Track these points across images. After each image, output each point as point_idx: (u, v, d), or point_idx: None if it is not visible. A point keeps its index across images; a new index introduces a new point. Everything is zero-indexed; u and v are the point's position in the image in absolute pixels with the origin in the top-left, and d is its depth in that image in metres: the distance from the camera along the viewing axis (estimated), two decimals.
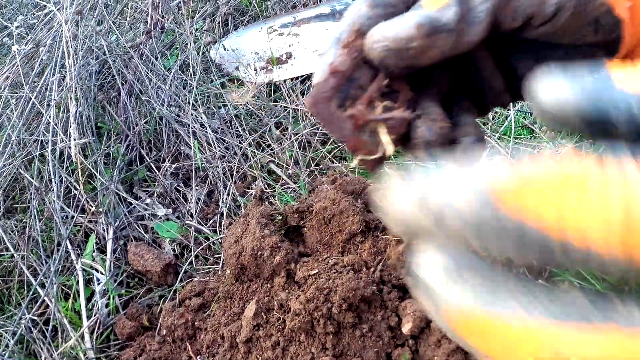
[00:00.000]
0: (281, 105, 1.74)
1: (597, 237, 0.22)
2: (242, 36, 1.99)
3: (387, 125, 0.41)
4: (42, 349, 1.26)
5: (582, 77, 0.29)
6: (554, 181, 0.23)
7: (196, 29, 1.93)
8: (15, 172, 1.55)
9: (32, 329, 1.30)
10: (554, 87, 0.29)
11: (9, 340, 1.26)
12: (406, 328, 1.14)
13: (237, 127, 1.67)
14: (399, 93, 0.42)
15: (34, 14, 1.94)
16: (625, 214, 0.22)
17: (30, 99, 1.57)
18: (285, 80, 1.83)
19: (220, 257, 1.40)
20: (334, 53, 0.39)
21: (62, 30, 1.59)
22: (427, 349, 1.14)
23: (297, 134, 1.64)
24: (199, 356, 1.23)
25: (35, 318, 1.32)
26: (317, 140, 1.64)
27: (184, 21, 1.84)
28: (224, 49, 1.89)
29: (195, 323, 1.28)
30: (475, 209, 0.24)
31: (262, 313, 1.20)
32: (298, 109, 1.72)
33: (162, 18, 1.76)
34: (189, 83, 1.72)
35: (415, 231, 0.27)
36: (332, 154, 1.61)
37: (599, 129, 0.29)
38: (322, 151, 1.61)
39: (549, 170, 0.24)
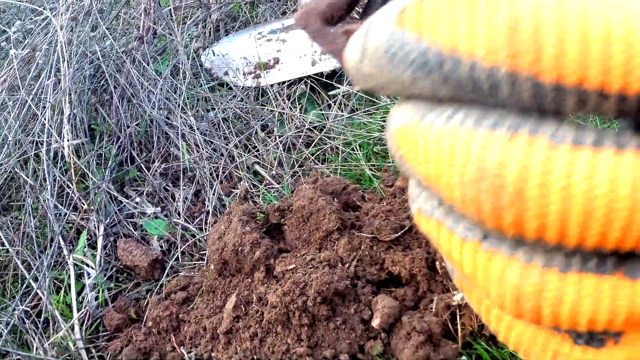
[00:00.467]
0: (267, 109, 1.81)
1: (482, 46, 0.20)
2: (233, 42, 2.07)
3: None
4: (34, 339, 1.33)
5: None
6: None
7: (188, 35, 2.00)
8: (11, 171, 1.61)
9: (25, 320, 1.37)
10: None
11: (2, 330, 1.33)
12: (376, 322, 1.21)
13: (225, 130, 1.74)
14: None
15: (32, 19, 2.00)
16: (510, 18, 0.20)
17: (27, 101, 1.64)
18: (272, 85, 1.90)
19: (205, 254, 1.47)
20: None
21: (57, 36, 1.66)
22: (398, 341, 1.20)
23: (282, 137, 1.71)
24: (182, 347, 1.30)
25: (29, 310, 1.39)
26: (302, 142, 1.71)
27: (175, 27, 1.91)
28: (214, 55, 1.96)
29: (180, 315, 1.34)
30: (384, 39, 0.22)
31: (242, 306, 1.27)
32: (284, 113, 1.79)
33: (154, 24, 1.83)
34: (179, 87, 1.79)
35: (363, 76, 0.25)
36: (315, 155, 1.68)
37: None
38: (305, 153, 1.68)
39: None
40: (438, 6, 0.21)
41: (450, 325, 1.22)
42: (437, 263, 1.28)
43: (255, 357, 1.21)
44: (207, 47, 2.03)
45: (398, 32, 0.22)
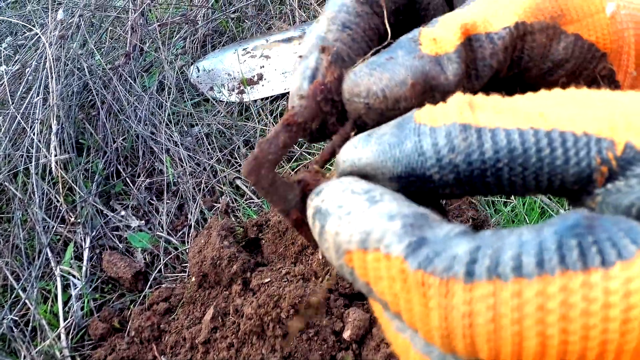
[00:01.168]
0: (250, 125, 1.88)
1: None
2: (218, 57, 2.13)
3: None
4: (22, 347, 1.40)
5: (382, 132, 0.28)
6: None
7: (174, 51, 2.07)
8: (1, 184, 1.68)
9: (14, 329, 1.43)
10: (350, 148, 0.29)
11: None
12: (347, 334, 1.28)
13: (208, 146, 1.81)
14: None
15: (23, 34, 2.06)
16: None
17: (16, 117, 1.70)
18: (255, 101, 1.97)
19: (186, 266, 1.54)
20: (295, 97, 0.33)
21: (46, 52, 1.73)
22: (369, 352, 1.27)
23: None
24: (163, 356, 1.36)
25: (17, 319, 1.45)
26: (285, 159, 1.78)
27: (160, 44, 1.97)
28: (199, 71, 2.03)
29: (161, 326, 1.41)
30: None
31: (219, 317, 1.33)
32: (266, 128, 1.86)
33: (140, 42, 1.89)
34: (164, 103, 1.86)
35: None
36: (296, 170, 1.75)
37: (411, 182, 0.27)
38: (286, 168, 1.75)
39: None
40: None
41: None
42: None
43: None
44: (193, 62, 2.10)
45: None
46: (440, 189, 0.28)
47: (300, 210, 0.31)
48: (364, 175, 0.29)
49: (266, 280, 1.35)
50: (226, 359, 1.29)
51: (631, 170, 0.25)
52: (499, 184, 0.27)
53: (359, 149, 0.29)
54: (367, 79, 0.31)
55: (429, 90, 0.32)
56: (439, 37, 0.33)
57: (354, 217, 0.26)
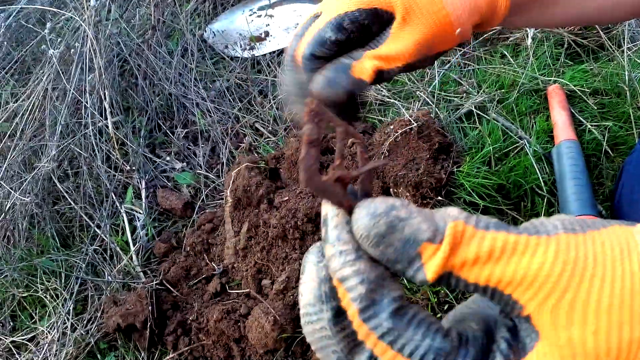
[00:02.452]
0: (262, 77, 2.24)
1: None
2: (228, 19, 2.48)
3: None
4: (104, 269, 1.81)
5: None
6: None
7: (190, 15, 2.42)
8: (66, 148, 2.07)
9: (96, 256, 1.85)
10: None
11: (81, 265, 1.81)
12: None
13: (229, 97, 2.18)
14: (354, 140, 0.50)
15: (59, 19, 2.42)
16: None
17: (70, 90, 2.08)
18: (264, 55, 2.33)
19: (223, 195, 1.93)
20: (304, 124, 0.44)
21: (86, 34, 2.09)
22: None
23: (275, 99, 2.15)
24: (212, 262, 1.77)
25: (98, 248, 1.86)
26: None
27: (179, 13, 2.33)
28: (213, 34, 2.39)
29: (209, 240, 1.81)
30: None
31: (253, 229, 1.73)
32: (276, 79, 2.23)
33: (163, 15, 2.25)
34: (188, 65, 2.23)
35: None
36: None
37: None
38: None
39: None
40: None
41: None
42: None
43: (264, 263, 1.68)
44: (208, 24, 2.46)
45: None
46: None
47: (346, 196, 0.43)
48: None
49: (285, 198, 1.73)
50: (260, 258, 1.69)
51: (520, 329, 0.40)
52: None
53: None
54: (321, 91, 0.57)
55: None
56: (361, 69, 0.60)
57: (338, 261, 0.41)
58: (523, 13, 0.82)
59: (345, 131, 0.47)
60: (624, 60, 2.08)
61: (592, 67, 2.16)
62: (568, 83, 2.05)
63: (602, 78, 2.10)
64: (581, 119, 1.94)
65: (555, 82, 2.07)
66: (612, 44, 2.20)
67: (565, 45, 2.26)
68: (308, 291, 0.42)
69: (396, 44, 0.62)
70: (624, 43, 2.16)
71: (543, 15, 0.89)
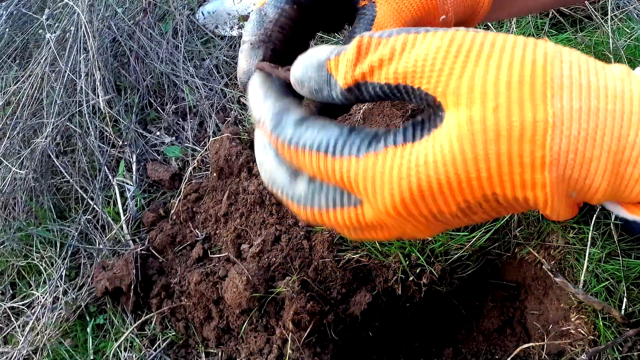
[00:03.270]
0: None
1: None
2: (219, 0, 2.56)
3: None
4: (96, 237, 1.91)
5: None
6: None
7: (181, 2, 2.50)
8: (62, 126, 2.17)
9: (88, 226, 1.94)
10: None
11: (74, 234, 1.91)
12: None
13: (217, 74, 2.27)
14: None
15: (57, 6, 2.52)
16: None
17: (66, 71, 2.18)
18: None
19: (208, 166, 2.01)
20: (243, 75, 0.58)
21: (80, 18, 2.18)
22: None
23: None
24: (196, 229, 1.86)
25: (90, 218, 1.96)
26: None
27: None
28: (203, 15, 2.47)
29: (194, 209, 1.90)
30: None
31: (233, 196, 1.81)
32: None
33: None
34: (179, 45, 2.31)
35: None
36: None
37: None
38: None
39: None
40: None
41: None
42: None
43: (243, 228, 1.76)
44: (199, 6, 2.54)
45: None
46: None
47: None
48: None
49: None
50: (240, 224, 1.77)
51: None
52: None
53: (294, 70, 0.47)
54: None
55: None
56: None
57: (257, 104, 0.49)
58: (505, 7, 0.82)
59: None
60: (608, 28, 2.10)
61: (575, 36, 2.18)
62: None
63: (586, 47, 2.11)
64: None
65: None
66: (597, 13, 2.21)
67: (550, 16, 2.28)
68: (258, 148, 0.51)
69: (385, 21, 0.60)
70: (609, 11, 2.17)
71: (526, 3, 0.89)
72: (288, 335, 1.54)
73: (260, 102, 0.48)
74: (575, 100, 0.36)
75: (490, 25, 2.26)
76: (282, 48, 0.59)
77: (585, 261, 1.54)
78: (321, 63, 0.44)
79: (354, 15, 0.62)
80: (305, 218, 0.48)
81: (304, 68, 0.45)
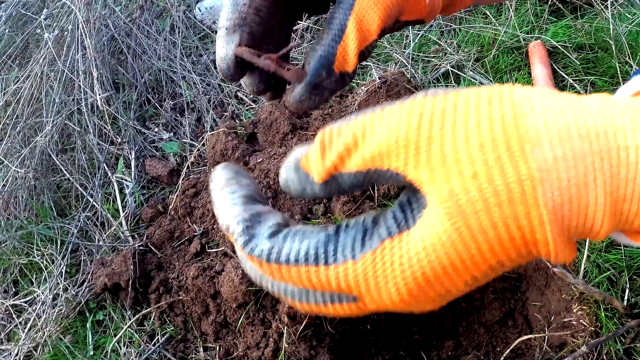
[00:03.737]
0: None
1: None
2: None
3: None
4: (95, 234, 1.92)
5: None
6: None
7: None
8: (62, 124, 2.18)
9: (88, 223, 1.96)
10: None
11: (73, 231, 1.92)
12: None
13: (214, 70, 2.27)
14: None
15: (56, 6, 2.53)
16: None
17: (64, 70, 2.19)
18: None
19: (206, 161, 2.02)
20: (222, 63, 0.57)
21: (77, 17, 2.19)
22: (336, 203, 1.72)
23: None
24: (194, 224, 1.86)
25: (90, 215, 1.97)
26: None
27: None
28: (200, 11, 2.47)
29: (192, 204, 1.90)
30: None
31: None
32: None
33: None
34: (176, 41, 2.32)
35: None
36: None
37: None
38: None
39: None
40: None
41: (370, 189, 1.72)
42: None
43: None
44: (197, 2, 2.54)
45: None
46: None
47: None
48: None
49: (259, 160, 1.81)
50: None
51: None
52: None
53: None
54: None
55: None
56: (344, 59, 0.56)
57: (223, 209, 0.43)
58: None
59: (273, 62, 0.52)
60: (609, 14, 2.08)
61: (575, 23, 2.16)
62: (550, 39, 2.06)
63: (586, 33, 2.10)
64: (564, 74, 1.96)
65: (537, 39, 2.08)
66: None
67: (550, 3, 2.26)
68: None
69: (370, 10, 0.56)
70: None
71: None
72: (284, 328, 1.54)
73: (227, 208, 0.43)
74: (557, 147, 0.34)
75: (488, 13, 2.25)
76: (261, 32, 0.56)
77: (586, 250, 1.52)
78: (297, 163, 0.42)
79: None
80: (303, 310, 0.45)
81: (286, 170, 0.43)
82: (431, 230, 0.36)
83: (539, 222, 0.34)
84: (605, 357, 1.42)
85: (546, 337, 1.56)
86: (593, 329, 1.47)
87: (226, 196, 0.43)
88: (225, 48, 0.54)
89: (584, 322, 1.51)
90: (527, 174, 0.34)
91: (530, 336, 1.56)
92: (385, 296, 0.38)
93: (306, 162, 0.41)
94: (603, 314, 1.44)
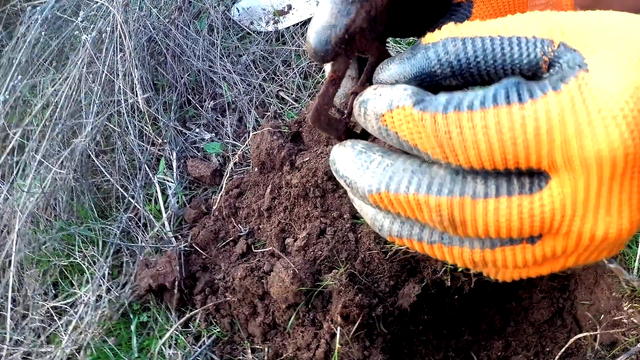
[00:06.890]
0: (286, 48, 2.29)
1: None
2: None
3: None
4: (138, 235, 1.89)
5: (401, 55, 0.39)
6: None
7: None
8: (101, 125, 2.16)
9: (130, 224, 1.93)
10: (381, 67, 0.41)
11: (116, 232, 1.90)
12: None
13: (254, 69, 2.24)
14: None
15: (92, 8, 2.52)
16: None
17: (103, 72, 2.17)
18: (288, 28, 2.37)
19: (249, 161, 1.99)
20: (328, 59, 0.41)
21: (116, 19, 2.18)
22: None
23: (299, 67, 2.19)
24: (239, 224, 1.83)
25: (132, 216, 1.94)
26: (314, 70, 2.19)
27: None
28: (238, 11, 2.45)
29: (236, 204, 1.87)
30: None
31: (276, 190, 1.77)
32: (299, 49, 2.27)
33: None
34: (215, 41, 2.30)
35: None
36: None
37: (423, 79, 0.38)
38: (317, 78, 2.15)
39: None
40: None
41: None
42: None
43: (287, 222, 1.73)
44: (234, 3, 2.52)
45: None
46: (442, 81, 0.39)
47: (345, 134, 0.45)
48: (395, 81, 0.41)
49: (306, 159, 1.77)
50: (283, 218, 1.73)
51: (560, 59, 0.34)
52: (479, 74, 0.37)
53: (387, 67, 0.41)
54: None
55: None
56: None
57: (384, 93, 0.39)
58: None
59: (379, 52, 0.45)
60: None
61: None
62: None
63: None
64: None
65: None
66: None
67: None
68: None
69: None
70: None
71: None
72: (336, 329, 1.50)
73: (387, 89, 0.39)
74: None
75: None
76: (375, 19, 0.44)
77: (639, 248, 1.48)
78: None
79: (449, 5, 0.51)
80: (451, 260, 0.41)
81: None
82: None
83: None
84: None
85: (597, 335, 1.52)
86: None
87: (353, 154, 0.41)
88: (335, 17, 0.40)
89: (635, 320, 1.48)
90: None
91: (582, 335, 1.53)
92: (626, 218, 0.34)
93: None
94: None
